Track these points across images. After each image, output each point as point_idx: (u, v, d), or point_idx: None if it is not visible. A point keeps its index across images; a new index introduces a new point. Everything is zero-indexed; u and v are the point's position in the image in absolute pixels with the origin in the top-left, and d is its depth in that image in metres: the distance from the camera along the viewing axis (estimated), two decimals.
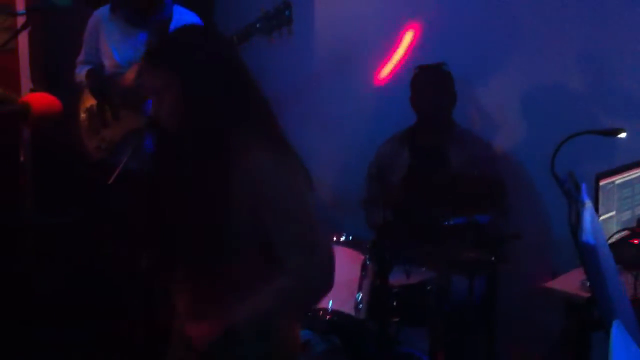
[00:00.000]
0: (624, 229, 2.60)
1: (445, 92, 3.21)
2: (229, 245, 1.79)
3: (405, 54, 3.51)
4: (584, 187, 1.69)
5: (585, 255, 1.49)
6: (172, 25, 3.06)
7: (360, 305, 2.75)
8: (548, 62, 3.15)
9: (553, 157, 2.15)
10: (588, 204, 1.60)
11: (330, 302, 2.74)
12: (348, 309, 2.75)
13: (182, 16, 3.14)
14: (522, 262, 3.03)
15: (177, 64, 1.79)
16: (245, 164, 1.76)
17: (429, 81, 3.21)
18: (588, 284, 2.31)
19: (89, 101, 3.24)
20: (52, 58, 3.87)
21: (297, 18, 2.80)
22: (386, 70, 3.56)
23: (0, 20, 3.32)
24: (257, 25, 2.66)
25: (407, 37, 3.45)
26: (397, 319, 2.79)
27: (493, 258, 2.68)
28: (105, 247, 3.28)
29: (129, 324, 3.21)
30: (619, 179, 2.60)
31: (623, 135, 2.57)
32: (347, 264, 2.81)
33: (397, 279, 2.82)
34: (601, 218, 2.49)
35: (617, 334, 1.40)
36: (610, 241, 2.42)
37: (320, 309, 2.70)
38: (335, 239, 2.86)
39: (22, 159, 3.72)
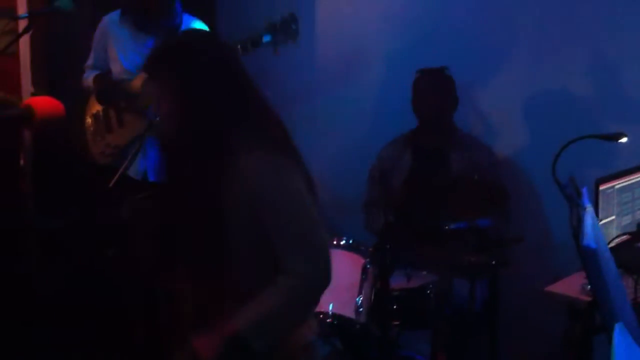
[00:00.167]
0: (624, 234, 2.60)
1: (446, 96, 3.22)
2: (228, 246, 1.80)
3: None
4: (584, 191, 1.70)
5: (587, 259, 1.49)
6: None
7: (361, 308, 2.76)
8: (549, 67, 3.15)
9: (554, 161, 2.15)
10: (589, 209, 1.61)
11: (331, 305, 2.74)
12: (348, 312, 2.75)
13: (190, 23, 3.15)
14: (523, 266, 3.03)
15: (177, 66, 1.81)
16: (243, 164, 1.77)
17: (430, 85, 3.22)
18: (589, 287, 2.31)
19: (95, 107, 3.25)
20: (53, 62, 3.87)
21: (299, 19, 2.80)
22: None
23: (2, 24, 3.32)
24: (263, 38, 2.66)
25: None
26: (397, 323, 2.79)
27: (494, 262, 2.68)
28: (106, 249, 3.29)
29: (129, 324, 3.21)
30: (618, 183, 2.60)
31: (624, 139, 2.57)
32: (347, 267, 2.82)
33: (397, 282, 2.82)
34: (601, 222, 2.49)
35: (620, 337, 1.41)
36: (610, 245, 2.42)
37: (321, 312, 2.71)
38: (335, 242, 2.86)
39: (22, 162, 3.73)
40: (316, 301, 1.85)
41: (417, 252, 2.90)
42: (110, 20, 3.20)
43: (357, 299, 2.76)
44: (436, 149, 3.25)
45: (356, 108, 3.83)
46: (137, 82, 3.01)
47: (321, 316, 2.71)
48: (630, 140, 2.59)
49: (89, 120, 3.29)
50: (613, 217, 2.59)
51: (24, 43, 3.82)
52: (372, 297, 2.76)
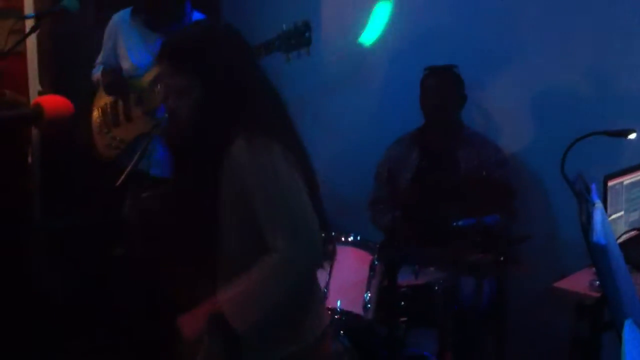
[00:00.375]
0: (632, 229, 2.60)
1: (454, 94, 3.22)
2: (222, 237, 1.81)
3: None
4: (594, 187, 1.70)
5: (596, 255, 1.50)
6: None
7: (369, 305, 2.76)
8: (557, 65, 3.15)
9: (563, 158, 2.15)
10: (598, 205, 1.61)
11: (339, 302, 2.75)
12: (356, 309, 2.75)
13: None
14: (530, 263, 3.02)
15: (196, 60, 1.82)
16: (235, 150, 1.78)
17: (437, 83, 3.22)
18: (597, 283, 2.31)
19: (103, 100, 3.26)
20: (60, 61, 3.88)
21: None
22: None
23: (9, 23, 3.33)
24: (276, 44, 2.66)
25: None
26: (404, 319, 2.79)
27: (502, 259, 2.68)
28: (112, 248, 3.30)
29: (133, 325, 3.22)
30: (627, 179, 2.60)
31: (633, 136, 2.56)
32: (355, 264, 2.82)
33: (405, 279, 2.83)
34: (609, 218, 2.49)
35: (630, 333, 1.41)
36: (619, 241, 2.42)
37: (329, 309, 2.71)
38: (343, 239, 2.86)
39: (29, 161, 3.74)
40: (300, 281, 1.82)
41: (424, 249, 2.90)
42: (121, 18, 3.21)
43: (365, 296, 2.77)
44: (443, 147, 3.25)
45: (363, 106, 3.83)
46: (147, 79, 3.02)
47: (329, 313, 2.71)
48: (638, 136, 2.59)
49: (95, 113, 3.30)
50: (621, 213, 2.59)
51: (31, 42, 3.83)
52: (380, 294, 2.77)
